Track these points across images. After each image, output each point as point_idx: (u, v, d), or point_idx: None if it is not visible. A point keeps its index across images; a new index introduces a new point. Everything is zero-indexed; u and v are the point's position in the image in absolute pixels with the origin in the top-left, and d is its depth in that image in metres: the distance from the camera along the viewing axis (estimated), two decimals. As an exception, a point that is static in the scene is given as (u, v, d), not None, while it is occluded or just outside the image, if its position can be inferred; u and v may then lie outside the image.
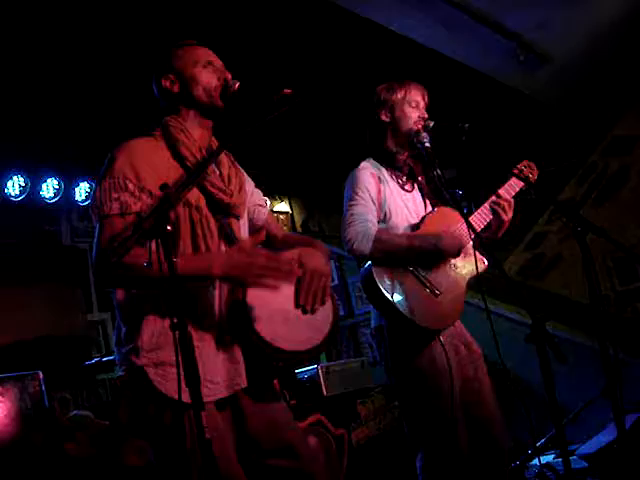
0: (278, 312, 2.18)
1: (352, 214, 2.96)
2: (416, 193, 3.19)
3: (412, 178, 3.18)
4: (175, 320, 1.75)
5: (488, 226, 3.10)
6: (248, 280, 2.09)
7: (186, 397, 1.78)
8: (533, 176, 3.25)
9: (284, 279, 2.14)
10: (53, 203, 5.62)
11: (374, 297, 2.90)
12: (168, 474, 2.07)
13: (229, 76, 2.33)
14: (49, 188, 5.54)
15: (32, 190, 5.41)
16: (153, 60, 2.41)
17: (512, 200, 3.08)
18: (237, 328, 2.14)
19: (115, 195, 2.10)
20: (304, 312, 2.22)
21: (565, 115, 6.07)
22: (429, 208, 3.18)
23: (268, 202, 2.63)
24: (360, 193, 3.00)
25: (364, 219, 2.94)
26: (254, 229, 2.51)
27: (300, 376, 4.84)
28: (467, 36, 4.71)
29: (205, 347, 2.11)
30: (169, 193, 1.87)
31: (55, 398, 4.94)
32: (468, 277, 3.06)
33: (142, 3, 3.99)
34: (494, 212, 3.06)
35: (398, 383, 2.98)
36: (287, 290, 2.21)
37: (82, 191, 5.73)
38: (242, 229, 2.37)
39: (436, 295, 2.92)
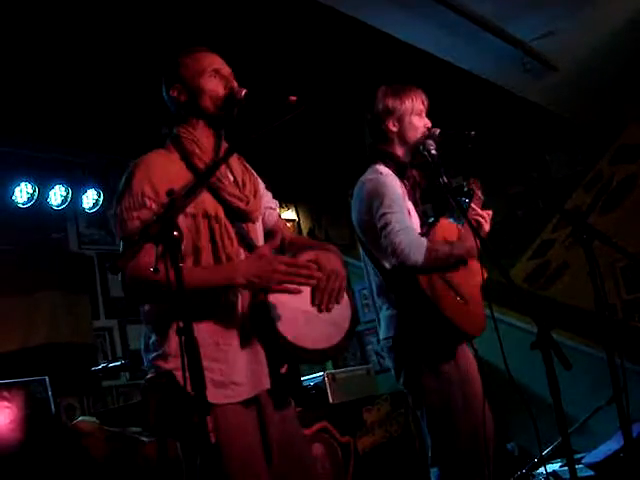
0: (298, 312, 2.23)
1: (395, 222, 2.86)
2: (414, 205, 3.14)
3: (413, 189, 3.15)
4: (181, 324, 1.76)
5: None
6: (270, 286, 2.13)
7: (210, 397, 1.82)
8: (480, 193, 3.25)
9: (304, 283, 2.18)
10: (60, 210, 5.64)
11: (413, 303, 2.88)
12: (196, 471, 2.11)
13: (235, 85, 2.34)
14: (56, 195, 5.56)
15: (39, 197, 5.42)
16: (161, 67, 2.42)
17: (489, 212, 3.12)
18: (260, 329, 2.19)
19: (136, 214, 2.14)
20: (319, 311, 2.26)
21: (572, 123, 6.07)
22: (417, 220, 3.12)
23: (277, 204, 2.64)
24: (396, 200, 2.93)
25: (410, 227, 2.89)
26: (265, 232, 2.52)
27: (306, 383, 4.84)
28: (472, 43, 4.71)
29: (230, 350, 2.16)
30: (175, 199, 1.88)
31: (61, 405, 4.96)
32: (482, 278, 3.03)
33: (150, 12, 4.00)
34: (478, 224, 3.06)
35: (422, 392, 2.93)
36: (306, 290, 2.25)
37: (89, 198, 5.74)
38: (258, 233, 2.40)
39: (465, 302, 2.92)
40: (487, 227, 3.10)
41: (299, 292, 2.17)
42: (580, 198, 6.02)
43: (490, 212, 3.13)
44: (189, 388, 2.05)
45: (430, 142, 2.95)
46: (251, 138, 2.09)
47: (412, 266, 2.82)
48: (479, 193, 3.21)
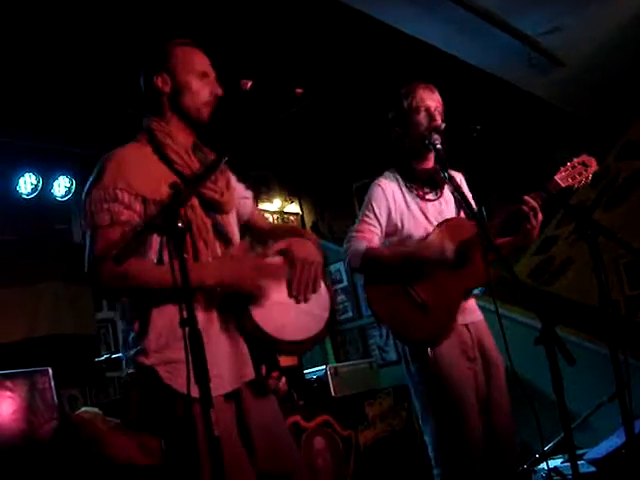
0: (277, 304, 2.22)
1: (353, 230, 3.08)
2: (444, 200, 3.16)
3: (436, 186, 3.15)
4: (185, 316, 1.76)
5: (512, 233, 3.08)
6: (241, 286, 2.14)
7: (195, 392, 1.79)
8: (586, 174, 3.11)
9: (274, 280, 2.20)
10: (64, 201, 5.65)
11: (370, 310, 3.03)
12: (179, 469, 2.09)
13: (220, 92, 2.33)
14: (60, 186, 5.56)
15: (43, 188, 5.43)
16: (148, 53, 2.38)
17: (537, 205, 3.00)
18: (239, 322, 2.19)
19: (105, 206, 2.12)
20: (297, 302, 2.27)
21: (578, 119, 6.06)
22: (454, 213, 3.15)
23: (250, 194, 2.63)
24: (366, 211, 3.10)
25: (361, 235, 3.04)
26: (240, 221, 2.51)
27: (308, 377, 4.85)
28: (479, 38, 4.70)
29: (210, 342, 2.09)
30: (180, 190, 1.88)
31: (64, 396, 4.96)
32: (468, 285, 3.03)
33: (155, 3, 4.00)
34: (517, 218, 3.02)
35: (416, 388, 3.01)
36: (284, 281, 2.26)
37: (93, 190, 5.74)
38: (232, 224, 2.39)
39: (425, 307, 2.92)
40: (530, 241, 3.10)
41: (268, 290, 2.17)
42: (585, 194, 6.00)
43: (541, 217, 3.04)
44: (170, 383, 2.07)
45: (436, 136, 2.95)
46: (256, 131, 2.08)
47: (354, 271, 3.08)
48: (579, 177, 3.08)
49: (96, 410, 3.80)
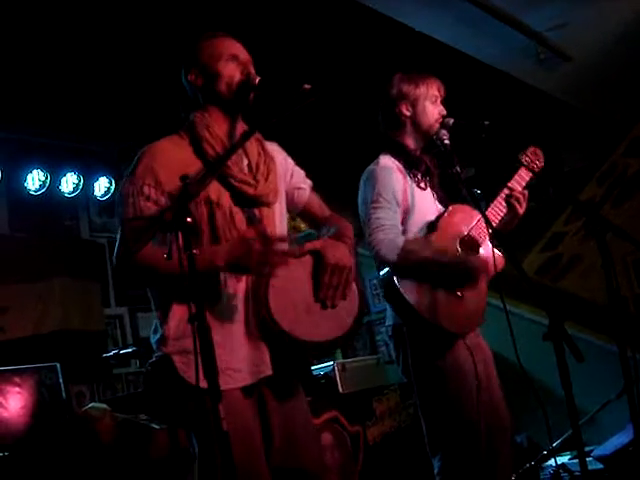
0: (301, 302, 2.20)
1: (378, 218, 2.88)
2: (428, 191, 3.11)
3: (427, 176, 3.10)
4: (193, 311, 1.76)
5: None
6: (250, 267, 2.10)
7: (205, 384, 1.81)
8: (540, 164, 3.15)
9: (281, 264, 2.13)
10: (72, 198, 5.67)
11: (396, 301, 2.86)
12: (193, 460, 2.15)
13: (252, 71, 2.33)
14: (68, 183, 5.58)
15: (52, 184, 5.45)
16: (180, 52, 2.42)
17: (526, 192, 3.04)
18: (258, 316, 2.16)
19: (132, 200, 2.17)
20: (324, 307, 2.23)
21: (585, 115, 6.04)
22: (439, 207, 3.10)
23: (309, 183, 2.61)
24: (384, 195, 2.91)
25: (391, 224, 2.87)
26: (296, 212, 2.55)
27: (316, 373, 4.85)
28: (486, 33, 4.68)
29: (229, 336, 2.15)
30: (188, 185, 1.88)
31: (71, 391, 4.98)
32: (487, 276, 3.02)
33: (162, 3, 4.00)
34: (510, 205, 3.02)
35: (418, 382, 2.94)
36: (309, 283, 2.23)
37: (101, 186, 5.77)
38: (276, 216, 2.36)
39: (459, 297, 2.88)
40: (521, 210, 3.04)
41: (274, 274, 2.13)
42: (592, 190, 5.99)
43: (526, 193, 3.05)
44: (183, 373, 2.09)
45: (444, 132, 2.93)
46: (266, 123, 2.08)
47: (386, 264, 2.84)
48: (533, 165, 3.11)
49: (104, 406, 3.81)
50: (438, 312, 2.81)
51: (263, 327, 2.17)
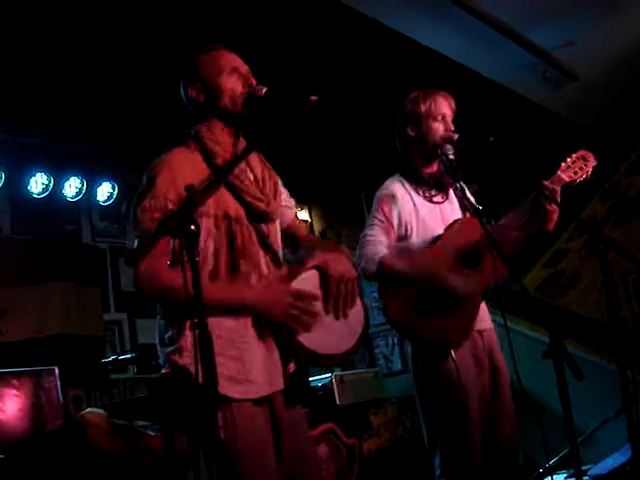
0: (316, 319, 2.23)
1: (365, 235, 3.05)
2: (449, 202, 3.17)
3: (442, 189, 3.16)
4: (196, 320, 1.76)
5: (529, 223, 3.05)
6: (278, 319, 2.16)
7: (227, 391, 1.90)
8: (587, 168, 3.10)
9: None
10: (75, 202, 5.67)
11: (384, 314, 2.98)
12: (209, 467, 2.10)
13: (254, 82, 2.33)
14: (71, 187, 5.59)
15: (54, 189, 5.46)
16: (179, 65, 2.41)
17: (558, 188, 2.98)
18: (277, 333, 2.20)
19: (156, 215, 2.11)
20: (336, 318, 2.27)
21: (590, 133, 6.04)
22: (438, 218, 3.14)
23: (292, 202, 2.63)
24: (377, 214, 3.07)
25: (375, 240, 3.00)
26: (281, 231, 2.51)
27: (314, 384, 4.84)
28: (492, 50, 4.69)
29: (247, 348, 2.16)
30: (192, 194, 1.89)
31: (68, 396, 4.97)
32: (481, 289, 3.01)
33: (168, 7, 4.01)
34: (536, 203, 3.00)
35: (419, 390, 3.00)
36: (319, 296, 2.26)
37: (104, 191, 5.77)
38: (277, 232, 2.40)
39: (446, 309, 2.90)
40: (551, 226, 3.03)
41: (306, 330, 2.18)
42: (595, 208, 5.99)
43: (557, 189, 3.00)
44: (201, 381, 2.08)
45: (448, 147, 2.95)
46: (270, 135, 2.08)
47: (367, 278, 2.98)
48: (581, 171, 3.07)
49: (101, 411, 3.80)
50: (420, 323, 2.89)
51: (285, 346, 2.20)
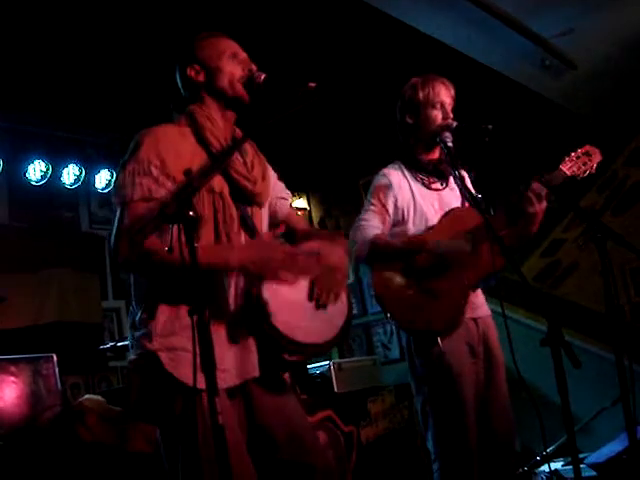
0: (293, 304, 2.19)
1: (360, 219, 3.08)
2: (450, 189, 3.18)
3: (442, 176, 3.16)
4: (193, 305, 1.75)
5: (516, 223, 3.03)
6: (265, 274, 2.10)
7: (200, 382, 1.78)
8: (591, 164, 3.10)
9: (301, 275, 2.17)
10: (73, 189, 5.66)
11: (378, 302, 2.99)
12: (176, 461, 2.05)
13: (254, 67, 2.33)
14: (70, 174, 5.58)
15: (53, 176, 5.45)
16: (176, 51, 2.41)
17: (544, 191, 2.96)
18: (252, 318, 2.14)
19: (139, 180, 2.09)
20: (317, 307, 2.24)
21: (588, 122, 6.03)
22: (436, 203, 3.15)
23: (289, 194, 2.61)
24: (372, 200, 3.09)
25: (369, 225, 3.02)
26: (275, 222, 2.50)
27: (312, 372, 4.85)
28: (491, 38, 4.68)
29: (217, 335, 2.08)
30: (192, 178, 1.88)
31: (67, 383, 4.98)
32: (476, 274, 2.99)
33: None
34: (516, 206, 2.99)
35: (414, 377, 3.02)
36: (303, 282, 2.22)
37: (102, 178, 5.76)
38: (263, 219, 2.37)
39: (435, 297, 2.91)
40: (533, 207, 2.95)
41: (293, 282, 2.15)
42: (592, 198, 5.99)
43: (543, 192, 2.96)
44: (172, 370, 2.03)
45: (447, 134, 2.95)
46: (268, 122, 2.07)
47: (360, 261, 3.02)
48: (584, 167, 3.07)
49: (99, 398, 3.81)
50: (408, 310, 2.92)
51: (257, 329, 2.15)
